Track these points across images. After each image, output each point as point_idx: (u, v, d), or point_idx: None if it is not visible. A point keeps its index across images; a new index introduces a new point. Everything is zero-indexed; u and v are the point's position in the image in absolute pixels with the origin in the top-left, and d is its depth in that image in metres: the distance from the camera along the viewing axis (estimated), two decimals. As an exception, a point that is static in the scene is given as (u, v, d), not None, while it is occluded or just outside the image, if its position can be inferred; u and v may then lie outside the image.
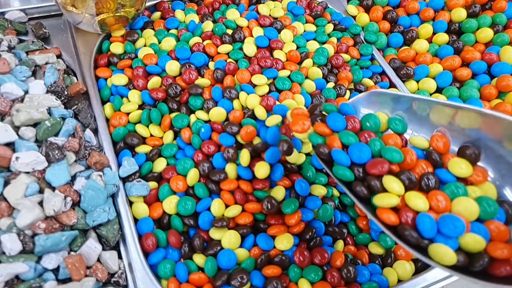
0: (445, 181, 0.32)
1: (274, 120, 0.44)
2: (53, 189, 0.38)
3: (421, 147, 0.35)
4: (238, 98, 0.49)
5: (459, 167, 0.32)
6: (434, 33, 0.64)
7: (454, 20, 0.64)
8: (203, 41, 0.55)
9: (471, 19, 0.63)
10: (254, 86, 0.51)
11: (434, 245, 0.28)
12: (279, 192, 0.43)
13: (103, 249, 0.39)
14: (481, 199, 0.30)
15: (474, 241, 0.28)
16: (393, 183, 0.31)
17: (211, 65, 0.53)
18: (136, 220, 0.42)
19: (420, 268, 0.44)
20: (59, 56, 0.52)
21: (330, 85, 0.55)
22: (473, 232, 0.29)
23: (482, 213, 0.30)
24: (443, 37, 0.62)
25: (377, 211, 0.31)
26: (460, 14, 0.63)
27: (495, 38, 0.61)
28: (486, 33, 0.61)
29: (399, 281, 0.43)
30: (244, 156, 0.43)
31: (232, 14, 0.59)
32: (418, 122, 0.38)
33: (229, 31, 0.57)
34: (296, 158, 0.45)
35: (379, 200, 0.31)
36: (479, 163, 0.33)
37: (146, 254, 0.40)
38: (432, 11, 0.65)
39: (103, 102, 0.50)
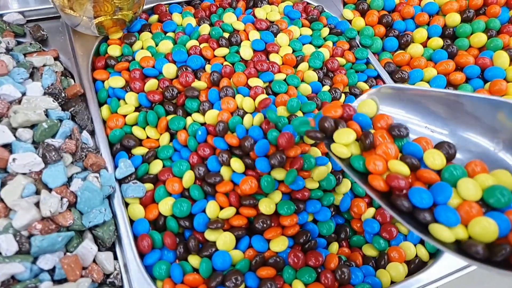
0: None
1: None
2: (50, 190, 0.38)
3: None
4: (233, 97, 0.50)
5: (433, 158, 0.32)
6: (428, 38, 0.64)
7: (449, 25, 0.65)
8: (200, 44, 0.56)
9: (465, 24, 0.64)
10: (250, 88, 0.51)
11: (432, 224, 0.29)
12: (275, 196, 0.44)
13: (99, 250, 0.39)
14: (494, 187, 0.30)
15: (485, 224, 0.28)
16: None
17: (208, 68, 0.53)
18: (132, 222, 0.42)
19: (413, 269, 0.44)
20: (56, 58, 0.52)
21: (326, 88, 0.55)
22: (488, 217, 0.29)
23: (496, 202, 0.30)
24: (437, 42, 0.63)
25: (369, 178, 0.32)
26: (454, 19, 0.64)
27: (488, 43, 0.62)
28: (480, 38, 0.62)
29: (392, 282, 0.43)
30: (235, 164, 0.44)
31: (229, 17, 0.60)
32: (431, 115, 0.38)
33: (226, 35, 0.57)
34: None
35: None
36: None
37: (142, 255, 0.40)
38: (426, 15, 0.66)
39: (100, 104, 0.50)
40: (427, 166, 0.33)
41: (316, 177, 0.45)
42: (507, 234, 0.28)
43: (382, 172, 0.32)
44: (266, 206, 0.42)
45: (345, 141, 0.34)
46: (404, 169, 0.31)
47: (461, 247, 0.28)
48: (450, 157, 0.33)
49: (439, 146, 0.34)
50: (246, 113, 0.48)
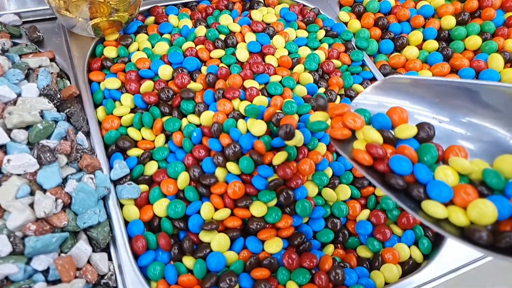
0: None
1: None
2: (44, 191, 0.38)
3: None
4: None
5: (403, 128, 0.34)
6: (424, 40, 0.65)
7: (444, 28, 0.65)
8: (196, 46, 0.56)
9: (460, 27, 0.64)
10: (246, 90, 0.51)
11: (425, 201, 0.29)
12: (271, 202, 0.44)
13: (93, 251, 0.39)
14: (488, 171, 0.30)
15: (482, 207, 0.28)
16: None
17: (204, 69, 0.53)
18: (126, 223, 0.42)
19: (407, 271, 0.44)
20: (52, 60, 0.52)
21: (321, 90, 0.56)
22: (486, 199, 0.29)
23: (494, 184, 0.30)
24: (432, 44, 0.63)
25: (353, 152, 0.33)
26: (449, 21, 0.65)
27: (483, 45, 0.62)
28: (475, 41, 0.62)
29: (386, 283, 0.43)
30: (231, 166, 0.44)
31: (225, 19, 0.60)
32: (438, 105, 0.37)
33: (222, 36, 0.57)
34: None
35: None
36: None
37: (136, 256, 0.41)
38: (422, 18, 0.66)
39: (96, 106, 0.50)
40: (397, 136, 0.34)
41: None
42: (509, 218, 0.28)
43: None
44: (258, 209, 0.42)
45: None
46: (375, 135, 0.33)
47: (465, 234, 0.28)
48: (429, 138, 0.34)
49: (420, 126, 0.35)
50: (242, 116, 0.49)
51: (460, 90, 0.36)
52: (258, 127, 0.45)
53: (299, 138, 0.45)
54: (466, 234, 0.28)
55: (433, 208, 0.29)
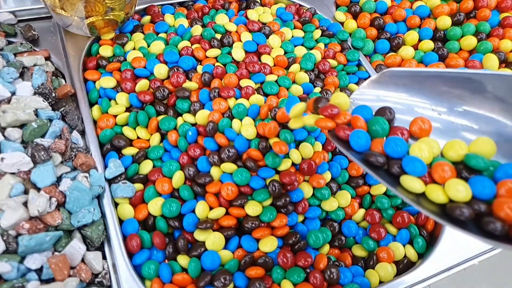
0: None
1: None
2: (38, 190, 0.38)
3: None
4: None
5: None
6: (419, 40, 0.65)
7: (439, 28, 0.65)
8: (191, 45, 0.56)
9: (456, 27, 0.64)
10: (241, 89, 0.51)
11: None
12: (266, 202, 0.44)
13: (88, 250, 0.39)
14: (469, 155, 0.31)
15: (456, 184, 0.28)
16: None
17: (199, 69, 0.53)
18: (121, 221, 0.42)
19: (402, 269, 0.44)
20: (48, 58, 0.52)
21: (317, 90, 0.56)
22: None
23: (474, 163, 0.30)
24: (428, 44, 0.63)
25: (316, 121, 0.34)
26: (445, 22, 0.65)
27: (478, 46, 0.63)
28: (470, 41, 0.63)
29: (381, 282, 0.43)
30: (226, 165, 0.44)
31: (221, 19, 0.60)
32: (437, 97, 0.37)
33: (218, 36, 0.57)
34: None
35: None
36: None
37: (131, 255, 0.40)
38: (418, 18, 0.66)
39: (91, 104, 0.50)
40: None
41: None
42: (489, 198, 0.28)
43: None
44: (253, 208, 0.42)
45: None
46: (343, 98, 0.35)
47: (447, 214, 0.28)
48: (389, 121, 0.35)
49: (380, 110, 0.36)
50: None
51: (460, 81, 0.36)
52: (248, 130, 0.45)
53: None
54: (448, 212, 0.28)
55: (411, 182, 0.29)
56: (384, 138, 0.34)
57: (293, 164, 0.46)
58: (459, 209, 0.27)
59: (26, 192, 0.38)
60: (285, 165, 0.45)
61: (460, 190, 0.28)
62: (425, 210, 0.28)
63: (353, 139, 0.33)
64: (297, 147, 0.47)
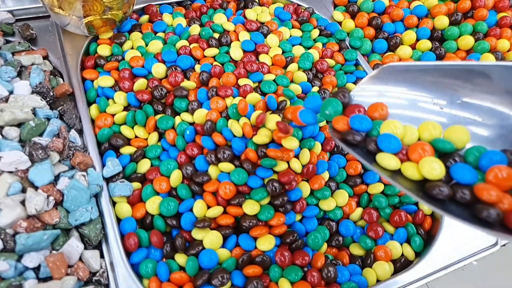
0: None
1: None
2: (36, 188, 0.38)
3: None
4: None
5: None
6: (417, 40, 0.65)
7: (437, 28, 0.66)
8: (189, 44, 0.56)
9: (453, 27, 0.65)
10: (239, 88, 0.51)
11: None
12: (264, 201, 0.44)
13: (85, 248, 0.39)
14: (437, 139, 0.31)
15: (429, 162, 0.29)
16: None
17: (197, 68, 0.54)
18: (119, 220, 0.42)
19: (399, 268, 0.45)
20: (45, 58, 0.52)
21: (315, 89, 0.56)
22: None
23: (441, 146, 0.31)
24: (426, 44, 0.64)
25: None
26: (442, 21, 0.65)
27: (475, 45, 0.63)
28: (467, 41, 0.63)
29: (378, 281, 0.43)
30: (224, 164, 0.44)
31: (219, 18, 0.60)
32: (438, 90, 0.37)
33: (216, 35, 0.58)
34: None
35: None
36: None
37: (128, 253, 0.41)
38: (415, 18, 0.66)
39: (89, 104, 0.50)
40: None
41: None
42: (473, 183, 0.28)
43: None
44: (251, 207, 0.43)
45: None
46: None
47: (427, 193, 0.28)
48: (345, 104, 0.36)
49: (335, 93, 0.36)
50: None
51: (460, 73, 0.36)
52: (236, 128, 0.46)
53: None
54: (426, 190, 0.28)
55: (387, 160, 0.30)
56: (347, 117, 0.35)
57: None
58: (438, 188, 0.27)
59: (23, 190, 0.38)
60: (281, 166, 0.45)
61: (434, 168, 0.28)
62: (401, 186, 0.28)
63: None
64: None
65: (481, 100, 0.35)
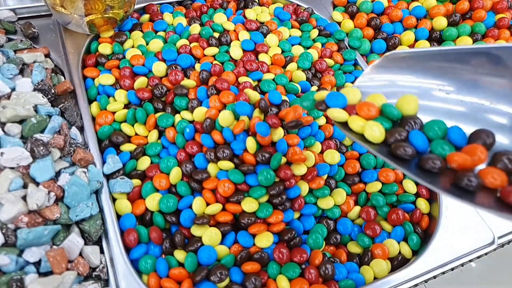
0: None
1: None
2: (37, 184, 0.39)
3: None
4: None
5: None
6: (416, 40, 0.66)
7: (436, 28, 0.66)
8: (190, 43, 0.56)
9: (452, 28, 0.65)
10: (239, 85, 0.52)
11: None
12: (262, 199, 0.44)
13: (85, 244, 0.39)
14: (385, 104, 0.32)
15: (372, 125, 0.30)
16: None
17: (197, 66, 0.54)
18: (119, 216, 0.43)
19: (396, 266, 0.45)
20: (47, 56, 0.53)
21: (314, 88, 0.56)
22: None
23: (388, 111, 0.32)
24: (424, 44, 0.64)
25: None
26: (441, 22, 0.66)
27: (474, 46, 0.63)
28: (466, 42, 0.64)
29: (375, 278, 0.44)
30: (223, 162, 0.44)
31: (220, 18, 0.60)
32: (443, 76, 0.36)
33: (216, 34, 0.58)
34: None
35: None
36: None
37: (128, 249, 0.41)
38: (414, 19, 0.67)
39: (90, 101, 0.51)
40: None
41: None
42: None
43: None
44: (249, 205, 0.43)
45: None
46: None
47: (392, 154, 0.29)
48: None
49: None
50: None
51: (465, 56, 0.34)
52: (225, 117, 0.46)
53: None
54: (392, 152, 0.29)
55: (336, 113, 0.33)
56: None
57: (291, 163, 0.47)
58: (403, 148, 0.29)
59: (25, 186, 0.38)
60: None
61: (374, 130, 0.30)
62: (368, 146, 0.30)
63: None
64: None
65: (487, 84, 0.34)
